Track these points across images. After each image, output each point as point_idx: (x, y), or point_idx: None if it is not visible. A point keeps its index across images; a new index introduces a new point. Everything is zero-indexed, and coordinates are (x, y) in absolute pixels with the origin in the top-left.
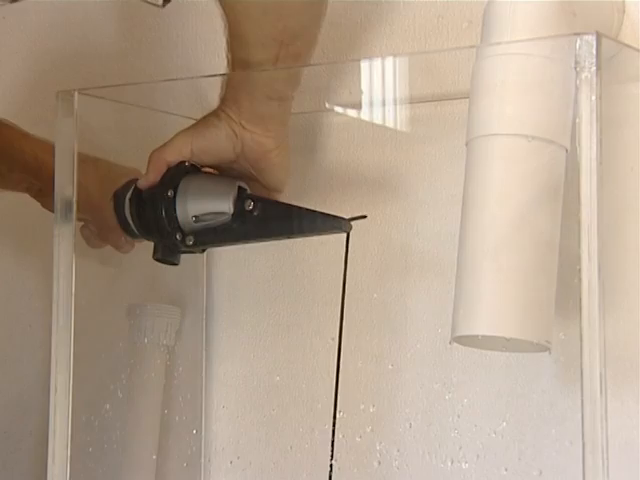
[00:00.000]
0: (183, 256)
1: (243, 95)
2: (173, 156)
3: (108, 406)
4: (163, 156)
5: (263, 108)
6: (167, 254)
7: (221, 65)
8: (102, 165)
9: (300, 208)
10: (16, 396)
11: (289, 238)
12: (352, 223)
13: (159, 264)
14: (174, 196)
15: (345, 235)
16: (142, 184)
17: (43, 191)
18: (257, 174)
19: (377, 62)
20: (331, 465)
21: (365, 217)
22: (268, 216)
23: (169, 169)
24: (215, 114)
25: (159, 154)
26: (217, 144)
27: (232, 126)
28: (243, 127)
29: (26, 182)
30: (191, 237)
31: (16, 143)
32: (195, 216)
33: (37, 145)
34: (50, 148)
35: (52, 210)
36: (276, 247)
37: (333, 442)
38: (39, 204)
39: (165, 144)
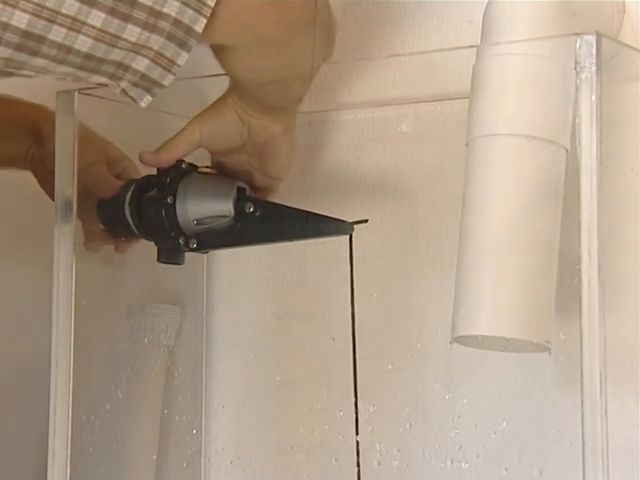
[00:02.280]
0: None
1: (247, 97)
2: (184, 145)
3: (108, 406)
4: (174, 146)
5: (268, 110)
6: (172, 257)
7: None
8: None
9: (302, 211)
10: (16, 396)
11: (291, 241)
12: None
13: (159, 264)
14: (174, 202)
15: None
16: (148, 161)
17: (44, 163)
18: (261, 160)
19: (377, 62)
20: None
21: (367, 221)
22: (270, 220)
23: (167, 173)
24: (223, 100)
25: (170, 145)
26: (225, 131)
27: (239, 113)
28: (249, 114)
29: (25, 147)
30: (194, 240)
31: (14, 108)
32: (196, 220)
33: (35, 111)
34: (49, 115)
35: (50, 193)
36: (276, 247)
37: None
38: (38, 204)
39: (176, 134)
